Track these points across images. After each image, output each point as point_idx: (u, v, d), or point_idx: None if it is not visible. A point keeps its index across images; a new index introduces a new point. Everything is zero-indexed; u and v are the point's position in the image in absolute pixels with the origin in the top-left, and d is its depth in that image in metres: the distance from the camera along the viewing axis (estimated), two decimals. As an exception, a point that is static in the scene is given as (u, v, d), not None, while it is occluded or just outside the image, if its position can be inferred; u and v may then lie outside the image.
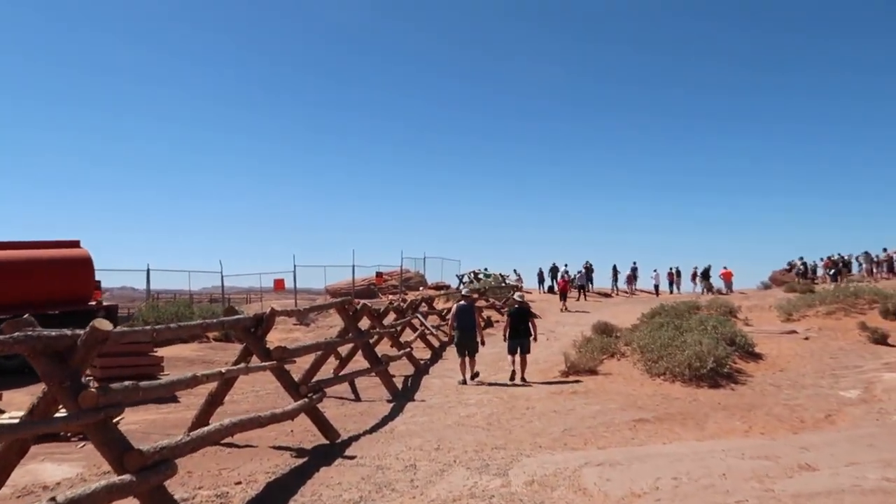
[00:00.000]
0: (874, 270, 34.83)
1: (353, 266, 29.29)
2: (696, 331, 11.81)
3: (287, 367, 6.84)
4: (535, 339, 11.65)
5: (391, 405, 9.24)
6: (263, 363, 6.46)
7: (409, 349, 12.36)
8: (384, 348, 15.54)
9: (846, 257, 35.96)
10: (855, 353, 12.76)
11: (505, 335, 11.67)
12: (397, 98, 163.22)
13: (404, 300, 19.89)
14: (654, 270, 36.52)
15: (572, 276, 34.94)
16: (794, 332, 15.67)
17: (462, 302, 11.95)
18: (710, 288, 34.60)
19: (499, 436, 7.17)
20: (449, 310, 23.20)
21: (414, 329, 15.90)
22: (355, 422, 8.10)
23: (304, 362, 8.79)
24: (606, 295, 35.51)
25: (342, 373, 12.01)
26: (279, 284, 25.84)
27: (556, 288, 34.92)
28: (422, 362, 14.07)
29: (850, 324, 16.64)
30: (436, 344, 17.45)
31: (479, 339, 11.51)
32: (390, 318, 16.11)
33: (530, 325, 11.53)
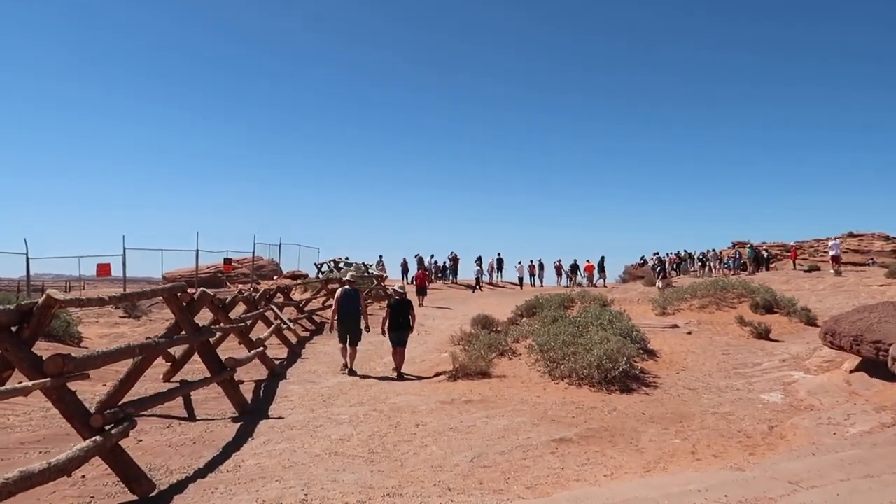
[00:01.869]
0: (713, 267, 36.88)
1: (197, 251, 25.79)
2: (595, 326, 10.58)
3: (69, 384, 4.45)
4: (411, 330, 11.25)
5: (237, 426, 6.99)
6: (29, 383, 4.07)
7: (262, 348, 10.06)
8: (231, 347, 13.04)
9: (691, 253, 37.91)
10: (745, 348, 12.23)
11: (383, 328, 11.04)
12: (252, 69, 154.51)
13: (256, 290, 17.28)
14: (518, 262, 36.26)
15: (431, 268, 33.72)
16: (675, 325, 15.15)
17: (347, 287, 11.49)
18: (575, 281, 34.83)
19: (388, 471, 5.25)
20: (305, 301, 20.95)
21: (268, 323, 13.50)
22: (184, 456, 5.81)
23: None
24: (471, 287, 34.59)
25: (173, 378, 9.53)
26: (103, 270, 21.88)
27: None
28: (277, 363, 11.79)
29: (725, 318, 16.51)
30: (294, 340, 15.13)
31: (363, 326, 11.20)
32: (239, 311, 13.60)
33: (409, 317, 11.13)
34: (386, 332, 10.93)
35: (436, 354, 12.95)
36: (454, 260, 35.58)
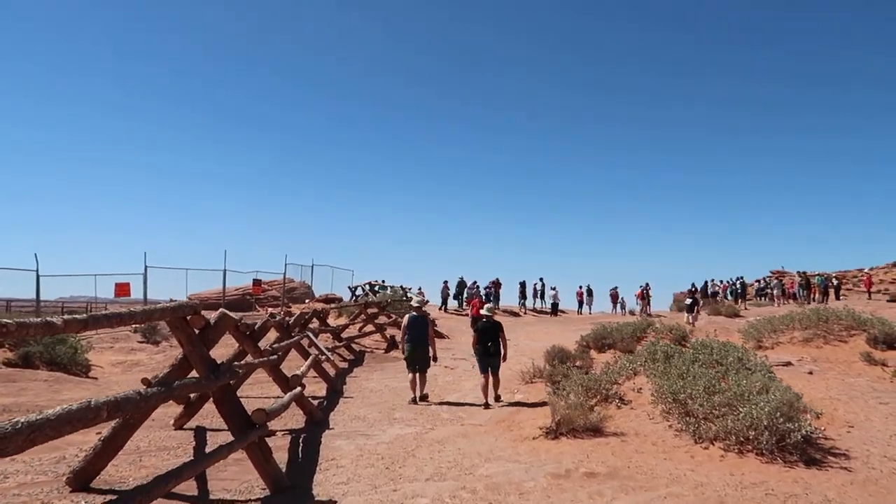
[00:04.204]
0: (775, 296, 33.90)
1: (225, 271, 23.86)
2: (734, 368, 8.12)
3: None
4: (504, 358, 10.37)
5: (268, 515, 4.71)
6: None
7: (299, 388, 7.79)
8: (258, 380, 10.83)
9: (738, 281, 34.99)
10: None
11: (475, 349, 10.40)
12: (289, 91, 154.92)
13: (289, 313, 15.13)
14: (553, 288, 33.56)
15: (480, 293, 31.37)
16: (788, 363, 12.56)
17: (414, 313, 10.79)
18: (624, 307, 32.20)
19: None
20: (342, 327, 18.74)
21: (303, 353, 11.26)
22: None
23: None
24: (514, 314, 32.11)
25: (187, 425, 7.33)
26: (122, 290, 19.97)
27: (464, 306, 31.13)
28: (317, 403, 9.55)
29: (841, 353, 13.90)
30: (333, 373, 12.88)
31: (431, 354, 10.46)
32: (270, 339, 11.40)
33: (500, 342, 10.23)
34: (476, 356, 10.37)
35: (507, 395, 10.58)
36: (496, 285, 33.15)
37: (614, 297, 33.05)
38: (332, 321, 22.63)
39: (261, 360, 7.53)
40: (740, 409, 6.36)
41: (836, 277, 34.24)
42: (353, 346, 17.12)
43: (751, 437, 6.07)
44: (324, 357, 11.68)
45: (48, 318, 3.13)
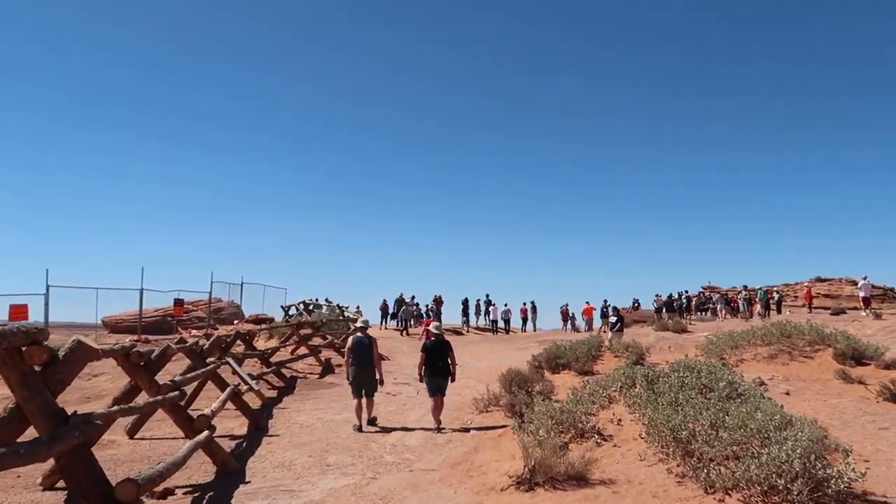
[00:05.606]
0: (719, 310, 33.88)
1: (142, 290, 21.53)
2: (724, 394, 6.93)
3: None
4: (452, 378, 9.88)
5: None
6: None
7: (205, 434, 6.15)
8: (156, 421, 9.10)
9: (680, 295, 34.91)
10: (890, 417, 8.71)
11: (420, 373, 9.76)
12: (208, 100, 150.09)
13: (208, 336, 13.29)
14: (493, 304, 32.46)
15: (420, 311, 29.96)
16: (762, 383, 11.59)
17: (359, 334, 10.12)
18: (574, 324, 31.33)
19: None
20: (272, 350, 16.94)
21: (222, 384, 9.52)
22: None
23: None
24: (457, 332, 30.74)
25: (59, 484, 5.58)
26: (18, 312, 17.45)
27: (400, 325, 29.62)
28: (235, 444, 7.90)
29: (812, 371, 13.11)
30: (259, 404, 11.17)
31: (378, 377, 9.89)
32: (182, 367, 9.62)
33: (449, 360, 9.71)
34: (421, 378, 9.74)
35: (457, 430, 9.16)
36: (438, 302, 31.77)
37: (565, 313, 32.15)
38: (261, 344, 20.74)
39: (152, 400, 5.85)
40: (760, 451, 5.12)
41: (777, 291, 34.41)
42: (284, 371, 15.36)
43: (779, 487, 4.82)
44: (245, 388, 9.98)
45: None
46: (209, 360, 10.40)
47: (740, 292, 33.74)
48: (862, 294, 27.01)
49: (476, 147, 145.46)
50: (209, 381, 10.03)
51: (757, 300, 32.34)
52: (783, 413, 5.77)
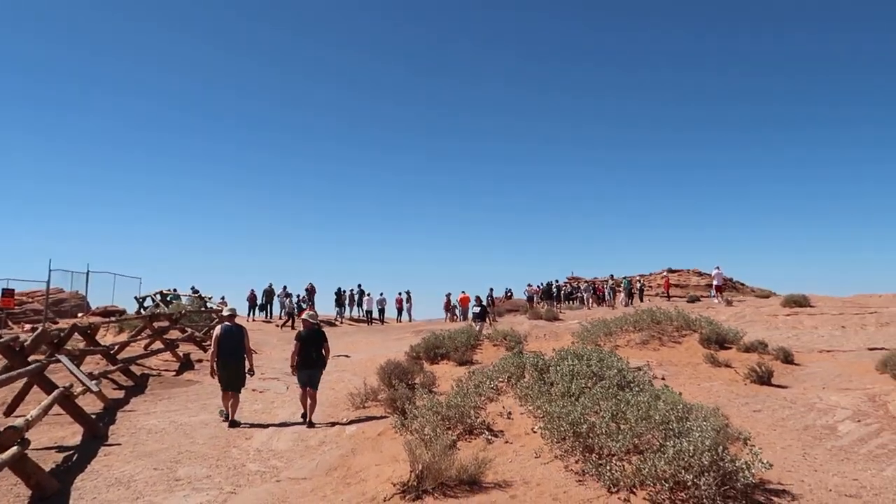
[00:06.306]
0: (586, 299, 35.19)
1: (-40, 278, 18.54)
2: (615, 382, 6.60)
3: None
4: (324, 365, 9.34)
5: None
6: None
7: (13, 448, 4.90)
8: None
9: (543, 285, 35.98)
10: (770, 400, 9.02)
11: (293, 364, 9.17)
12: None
13: (34, 329, 11.41)
14: (367, 294, 31.61)
15: (292, 301, 28.45)
16: (639, 369, 11.66)
17: (227, 323, 9.36)
18: (455, 314, 31.03)
19: None
20: (121, 345, 15.10)
21: (48, 386, 8.01)
22: None
23: None
24: (331, 323, 29.56)
25: None
26: None
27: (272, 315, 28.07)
28: (64, 457, 6.59)
29: (682, 355, 13.44)
30: (100, 406, 9.70)
31: (248, 369, 9.30)
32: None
33: (323, 351, 9.26)
34: (294, 369, 9.16)
35: (334, 428, 8.32)
36: (311, 291, 30.40)
37: (447, 303, 31.76)
38: (111, 338, 18.62)
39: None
40: (664, 444, 4.74)
41: (639, 280, 36.16)
42: (135, 368, 13.66)
43: (687, 483, 4.45)
44: (79, 390, 8.52)
45: None
46: (37, 358, 8.82)
47: (607, 281, 35.12)
48: (715, 283, 28.86)
49: (349, 135, 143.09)
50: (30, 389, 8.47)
51: (621, 289, 33.80)
52: (684, 402, 5.47)
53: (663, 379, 10.93)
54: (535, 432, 6.08)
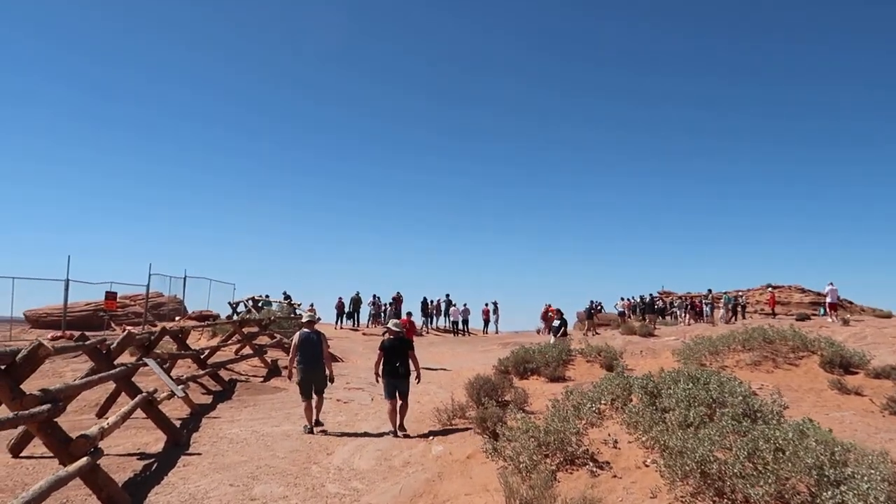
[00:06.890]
0: (680, 315, 33.45)
1: (68, 281, 19.47)
2: (739, 410, 5.69)
3: None
4: (417, 379, 9.14)
5: None
6: None
7: (85, 459, 4.60)
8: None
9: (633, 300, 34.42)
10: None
11: (377, 373, 8.94)
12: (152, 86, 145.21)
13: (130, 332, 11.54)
14: (452, 304, 31.06)
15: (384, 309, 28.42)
16: (754, 393, 10.49)
17: (306, 330, 9.28)
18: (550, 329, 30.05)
19: None
20: (211, 349, 15.23)
21: (132, 391, 7.90)
22: None
23: None
24: (417, 333, 29.30)
25: None
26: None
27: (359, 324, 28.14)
28: (142, 467, 6.33)
29: (800, 379, 12.07)
30: (187, 412, 9.59)
31: (327, 374, 9.19)
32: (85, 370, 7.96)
33: (409, 362, 8.99)
34: (378, 377, 8.96)
35: (422, 443, 7.77)
36: (397, 301, 30.32)
37: (544, 315, 30.85)
38: (205, 342, 18.99)
39: (5, 417, 4.27)
40: (822, 496, 3.85)
41: (742, 296, 33.99)
42: (223, 373, 13.69)
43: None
44: (164, 394, 8.37)
45: None
46: (127, 362, 8.79)
47: (705, 296, 33.18)
48: (829, 300, 26.55)
49: (438, 147, 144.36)
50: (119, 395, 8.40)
51: (721, 305, 31.79)
52: (840, 442, 4.52)
53: (786, 407, 9.74)
54: (647, 466, 5.27)
